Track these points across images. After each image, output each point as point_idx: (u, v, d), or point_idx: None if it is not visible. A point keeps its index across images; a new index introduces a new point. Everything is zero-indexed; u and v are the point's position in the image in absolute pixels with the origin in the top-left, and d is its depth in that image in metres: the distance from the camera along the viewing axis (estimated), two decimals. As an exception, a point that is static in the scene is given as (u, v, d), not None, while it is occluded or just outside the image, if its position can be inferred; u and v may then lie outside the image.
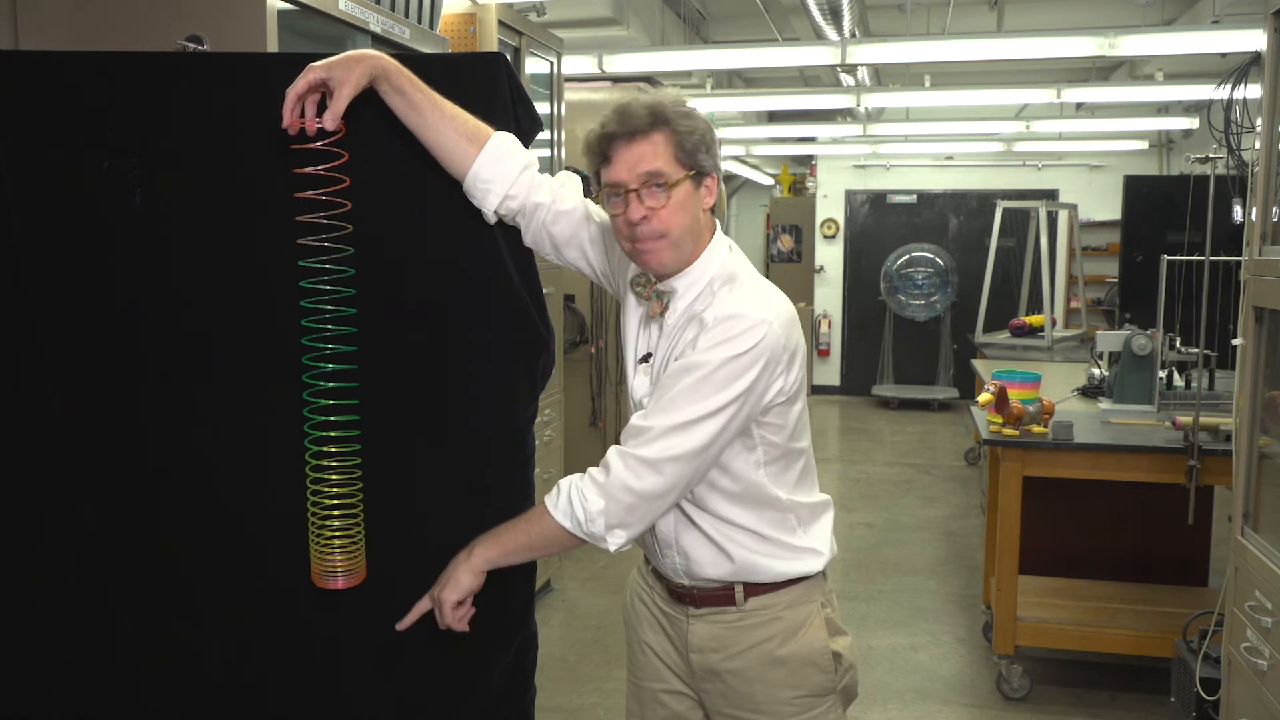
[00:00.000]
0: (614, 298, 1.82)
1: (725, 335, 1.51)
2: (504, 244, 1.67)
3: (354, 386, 1.58)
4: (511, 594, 1.72)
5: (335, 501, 1.58)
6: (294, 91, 1.49)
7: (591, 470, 1.54)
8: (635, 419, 1.56)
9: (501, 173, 1.60)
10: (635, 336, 1.71)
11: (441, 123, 1.56)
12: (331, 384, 1.56)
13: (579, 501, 1.52)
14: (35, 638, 1.70)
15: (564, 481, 1.56)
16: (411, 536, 1.68)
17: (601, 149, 1.57)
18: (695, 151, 1.56)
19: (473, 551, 1.56)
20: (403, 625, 1.61)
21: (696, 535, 1.64)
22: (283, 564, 1.63)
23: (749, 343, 1.51)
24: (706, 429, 1.50)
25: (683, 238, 1.58)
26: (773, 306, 1.56)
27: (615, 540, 1.53)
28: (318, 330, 1.55)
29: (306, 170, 1.51)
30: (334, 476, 1.58)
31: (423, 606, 1.60)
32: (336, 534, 1.58)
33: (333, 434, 1.57)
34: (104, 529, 1.67)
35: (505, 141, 1.61)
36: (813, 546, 1.68)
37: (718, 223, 1.67)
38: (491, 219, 1.63)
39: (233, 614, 1.69)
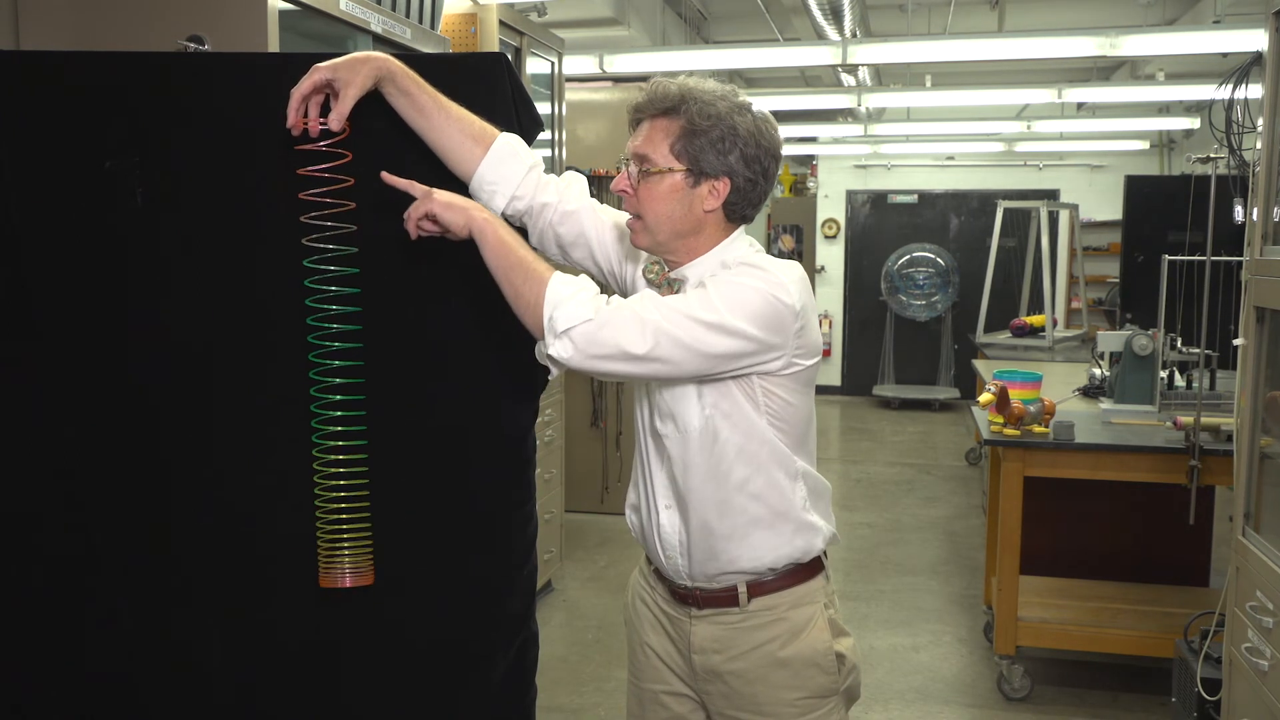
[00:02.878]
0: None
1: (749, 273, 1.52)
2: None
3: (360, 382, 1.58)
4: (512, 594, 1.72)
5: (343, 505, 1.58)
6: (299, 92, 1.49)
7: (606, 298, 1.51)
8: (646, 290, 1.56)
9: (507, 174, 1.60)
10: None
11: (447, 124, 1.56)
12: (339, 379, 1.56)
13: (579, 299, 1.47)
14: (35, 637, 1.70)
15: (586, 278, 1.52)
16: (411, 536, 1.68)
17: (631, 116, 1.61)
18: (703, 150, 1.54)
19: (487, 215, 1.51)
20: (388, 177, 1.54)
21: (699, 537, 1.64)
22: (284, 564, 1.63)
23: (770, 288, 1.51)
24: (709, 337, 1.48)
25: (658, 225, 1.58)
26: (794, 278, 1.55)
27: (558, 348, 1.46)
28: (323, 329, 1.55)
29: (310, 171, 1.51)
30: (341, 479, 1.58)
31: (415, 187, 1.52)
32: (345, 534, 1.58)
33: (339, 428, 1.57)
34: (105, 527, 1.67)
35: (511, 142, 1.61)
36: (815, 522, 1.66)
37: (741, 226, 1.65)
38: None
39: (233, 614, 1.69)
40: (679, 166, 1.56)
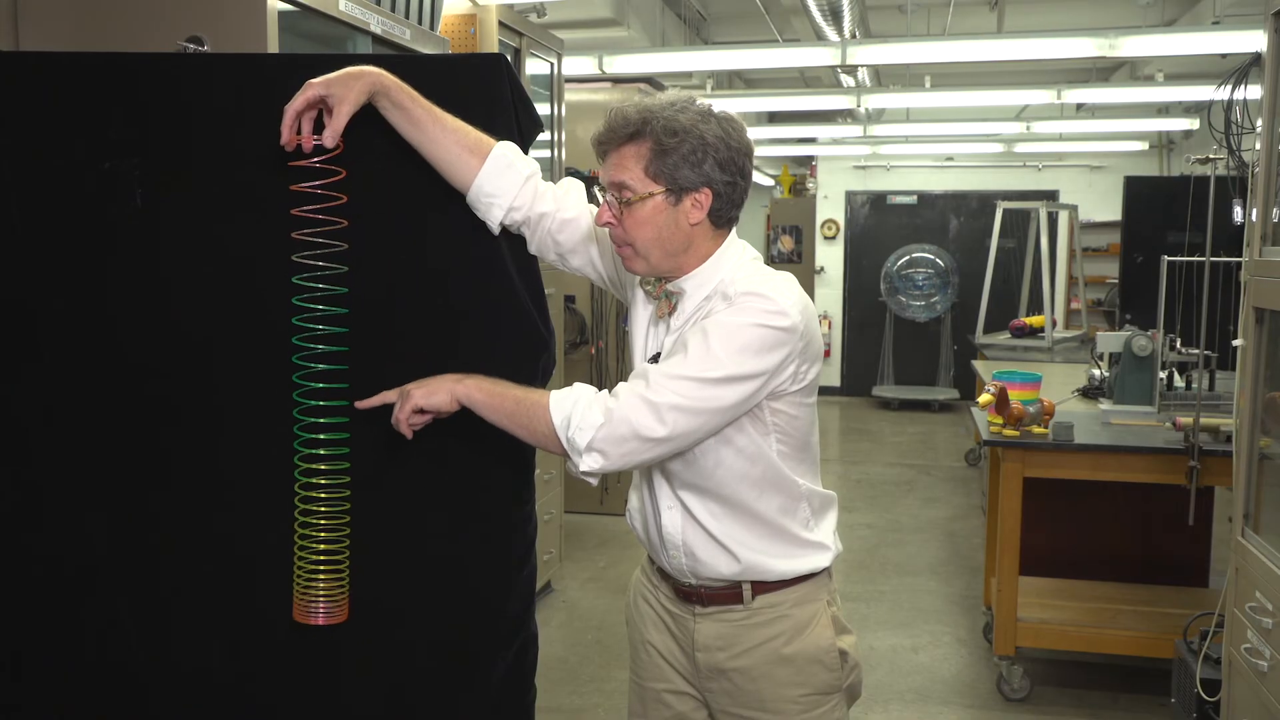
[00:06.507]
0: (615, 298, 1.81)
1: (747, 306, 1.52)
2: (505, 245, 1.67)
3: (344, 404, 1.57)
4: (511, 595, 1.72)
5: (322, 534, 1.57)
6: (292, 108, 1.49)
7: (607, 390, 1.53)
8: (645, 365, 1.56)
9: (505, 185, 1.60)
10: (644, 336, 1.70)
11: (443, 136, 1.56)
12: (322, 402, 1.56)
13: (582, 409, 1.49)
14: (35, 636, 1.70)
15: (580, 385, 1.54)
16: (411, 538, 1.68)
17: (596, 149, 1.60)
18: (677, 166, 1.54)
19: (464, 381, 1.53)
20: (362, 404, 1.56)
21: (703, 536, 1.64)
22: (283, 565, 1.63)
23: (769, 319, 1.51)
24: (719, 392, 1.49)
25: (649, 249, 1.58)
26: (793, 298, 1.56)
27: (589, 462, 1.50)
28: (309, 348, 1.55)
29: (303, 187, 1.51)
30: (321, 509, 1.57)
31: (388, 396, 1.55)
32: (321, 570, 1.58)
33: (322, 451, 1.56)
34: (105, 527, 1.67)
35: (507, 153, 1.61)
36: (821, 541, 1.69)
37: (733, 231, 1.65)
38: (496, 230, 1.64)
39: (233, 614, 1.69)
40: (657, 188, 1.55)
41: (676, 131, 1.52)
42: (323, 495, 1.58)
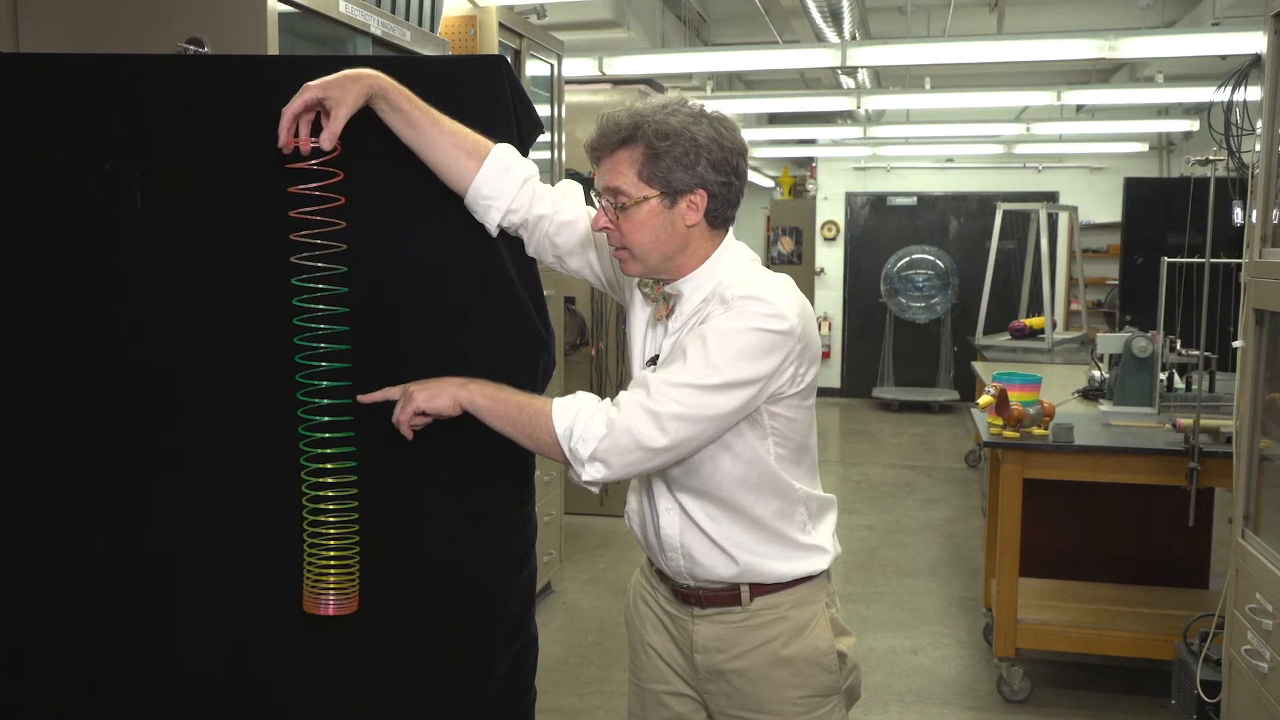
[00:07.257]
0: (615, 300, 1.82)
1: (744, 310, 1.52)
2: (504, 246, 1.67)
3: (349, 403, 1.57)
4: (511, 596, 1.72)
5: (331, 531, 1.58)
6: (290, 111, 1.49)
7: (610, 400, 1.53)
8: (645, 373, 1.56)
9: (503, 188, 1.60)
10: (642, 339, 1.70)
11: (441, 139, 1.56)
12: (327, 400, 1.56)
13: (584, 419, 1.50)
14: (34, 638, 1.70)
15: (583, 394, 1.54)
16: (411, 538, 1.68)
17: (590, 155, 1.61)
18: (670, 170, 1.53)
19: (468, 386, 1.54)
20: (364, 398, 1.57)
21: (701, 538, 1.64)
22: (283, 566, 1.63)
23: (767, 323, 1.51)
24: (718, 399, 1.50)
25: (646, 252, 1.58)
26: (791, 301, 1.56)
27: (591, 472, 1.51)
28: (311, 348, 1.55)
29: (302, 189, 1.51)
30: (330, 507, 1.58)
31: (391, 392, 1.56)
32: (331, 561, 1.58)
33: (329, 450, 1.57)
34: (105, 528, 1.67)
35: (505, 155, 1.61)
36: (819, 544, 1.69)
37: (730, 232, 1.65)
38: (494, 232, 1.64)
39: (233, 616, 1.69)
40: (652, 192, 1.55)
41: (668, 135, 1.52)
42: (331, 493, 1.58)
